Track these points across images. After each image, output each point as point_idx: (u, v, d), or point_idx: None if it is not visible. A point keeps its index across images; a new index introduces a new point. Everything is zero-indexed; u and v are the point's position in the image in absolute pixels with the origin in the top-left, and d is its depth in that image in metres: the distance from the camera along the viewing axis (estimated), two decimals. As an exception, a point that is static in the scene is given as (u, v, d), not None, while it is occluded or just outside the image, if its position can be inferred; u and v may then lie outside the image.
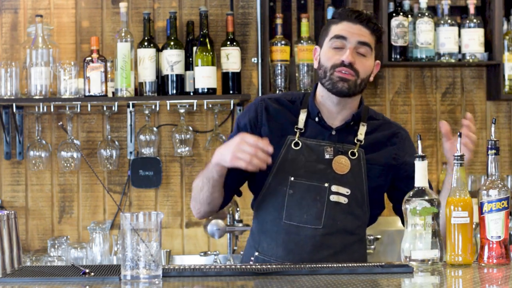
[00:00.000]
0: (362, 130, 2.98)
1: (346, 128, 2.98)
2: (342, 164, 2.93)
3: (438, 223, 2.64)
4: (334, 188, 2.92)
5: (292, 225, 2.92)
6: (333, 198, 2.92)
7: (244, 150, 2.74)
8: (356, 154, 2.95)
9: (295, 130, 2.96)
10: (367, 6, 4.74)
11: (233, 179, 2.97)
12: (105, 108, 4.57)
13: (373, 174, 2.97)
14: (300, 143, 2.95)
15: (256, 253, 2.96)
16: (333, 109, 2.97)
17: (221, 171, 2.87)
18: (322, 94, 2.98)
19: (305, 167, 2.93)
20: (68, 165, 4.52)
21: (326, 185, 2.91)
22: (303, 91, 4.51)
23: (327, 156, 2.94)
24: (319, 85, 2.99)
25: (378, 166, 2.98)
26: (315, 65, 3.01)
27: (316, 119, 2.97)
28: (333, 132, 2.96)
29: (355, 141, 2.97)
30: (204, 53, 4.43)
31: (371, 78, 2.99)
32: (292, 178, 2.92)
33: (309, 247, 2.90)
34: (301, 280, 2.42)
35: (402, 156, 3.03)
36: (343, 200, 2.92)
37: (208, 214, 3.03)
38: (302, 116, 2.97)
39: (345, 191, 2.93)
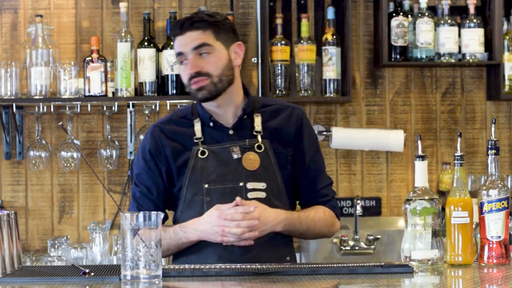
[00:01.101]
0: (257, 121, 2.98)
1: (241, 123, 2.98)
2: (252, 160, 2.94)
3: (438, 223, 2.65)
4: (249, 185, 2.92)
5: None
6: (251, 195, 2.91)
7: (228, 225, 2.80)
8: (262, 147, 2.96)
9: (195, 140, 2.97)
10: (367, 6, 4.74)
11: (161, 210, 2.98)
12: (105, 108, 4.57)
13: (283, 162, 2.98)
14: (206, 151, 2.95)
15: (186, 266, 2.95)
16: (218, 112, 2.99)
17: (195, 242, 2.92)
18: (204, 103, 3.01)
19: (216, 172, 2.93)
20: (68, 165, 4.51)
21: (241, 184, 2.92)
22: (303, 91, 4.51)
23: (235, 156, 2.94)
24: None
25: (285, 153, 2.99)
26: None
27: (211, 123, 2.98)
28: (231, 132, 2.98)
29: (254, 133, 2.97)
30: (204, 53, 4.42)
31: (238, 62, 2.99)
32: (206, 185, 2.93)
33: (237, 248, 2.88)
34: (301, 280, 2.42)
35: (301, 134, 3.03)
36: (261, 195, 2.92)
37: None
38: (197, 126, 2.98)
39: (261, 185, 2.93)
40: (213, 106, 2.98)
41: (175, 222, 3.01)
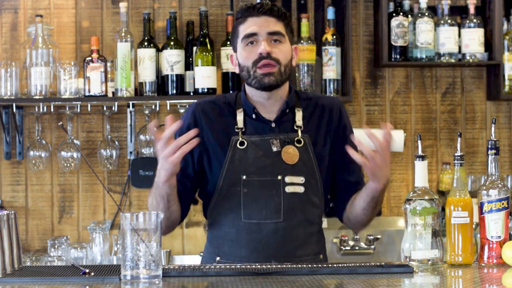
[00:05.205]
0: (298, 116, 2.99)
1: (283, 117, 2.99)
2: (291, 154, 2.93)
3: (438, 223, 2.65)
4: (287, 179, 2.91)
5: (253, 223, 2.90)
6: (288, 189, 2.91)
7: (170, 151, 2.72)
8: (302, 141, 2.96)
9: (236, 130, 2.96)
10: (367, 6, 4.74)
11: (186, 190, 2.97)
12: (105, 108, 4.57)
13: (322, 157, 2.98)
14: (245, 142, 2.94)
15: (218, 258, 2.94)
16: (266, 104, 2.99)
17: (171, 184, 2.85)
18: (252, 93, 2.99)
19: (255, 163, 2.92)
20: (68, 165, 4.52)
21: (279, 177, 2.91)
22: (302, 89, 4.51)
23: (274, 149, 2.94)
24: (247, 85, 2.99)
25: (324, 148, 2.99)
26: (237, 71, 3.01)
27: (253, 115, 2.97)
28: (273, 125, 2.97)
29: (295, 127, 2.97)
30: (204, 53, 4.43)
31: (294, 63, 3.02)
32: (244, 177, 2.91)
33: (273, 242, 2.89)
34: (301, 280, 2.42)
35: (342, 124, 3.04)
36: (300, 189, 2.92)
37: (170, 228, 2.99)
38: (240, 116, 2.97)
39: (300, 179, 2.92)
40: (263, 98, 2.98)
41: (211, 214, 2.97)
